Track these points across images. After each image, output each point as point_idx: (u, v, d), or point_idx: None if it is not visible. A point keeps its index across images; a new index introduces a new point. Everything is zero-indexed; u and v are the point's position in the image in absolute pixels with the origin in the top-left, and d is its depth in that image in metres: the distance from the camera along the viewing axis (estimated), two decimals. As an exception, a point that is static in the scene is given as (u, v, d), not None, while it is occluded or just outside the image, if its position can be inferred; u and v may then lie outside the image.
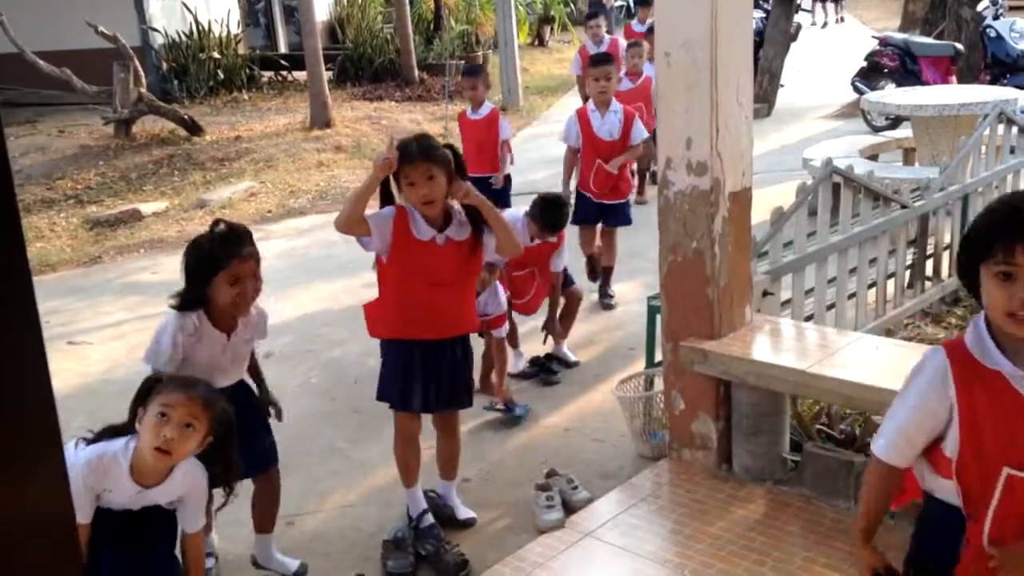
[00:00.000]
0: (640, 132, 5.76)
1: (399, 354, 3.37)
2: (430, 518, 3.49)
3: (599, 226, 5.89)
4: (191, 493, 2.72)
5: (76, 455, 2.60)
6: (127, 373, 5.26)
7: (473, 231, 3.35)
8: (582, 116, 5.81)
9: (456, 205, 3.35)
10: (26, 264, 0.79)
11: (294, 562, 3.34)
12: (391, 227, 3.27)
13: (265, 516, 3.33)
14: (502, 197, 6.21)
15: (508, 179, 6.48)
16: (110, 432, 2.70)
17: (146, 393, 2.68)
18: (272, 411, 3.36)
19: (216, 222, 3.07)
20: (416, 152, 3.21)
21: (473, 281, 3.49)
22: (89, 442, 2.68)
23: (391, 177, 3.31)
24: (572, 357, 4.98)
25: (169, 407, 2.57)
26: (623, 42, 8.89)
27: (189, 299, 3.00)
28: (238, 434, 2.82)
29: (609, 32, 13.62)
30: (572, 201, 5.47)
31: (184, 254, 3.05)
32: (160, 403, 2.59)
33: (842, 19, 19.78)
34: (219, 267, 2.94)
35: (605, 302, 5.77)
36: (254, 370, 3.35)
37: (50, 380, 0.79)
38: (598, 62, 5.87)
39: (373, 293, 3.48)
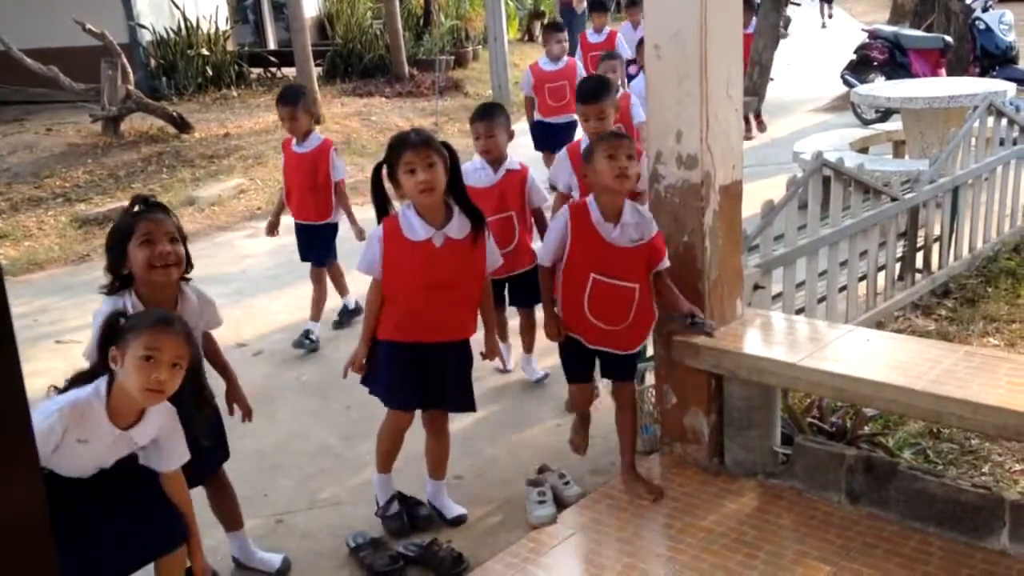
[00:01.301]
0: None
1: (396, 355, 3.32)
2: (396, 505, 3.52)
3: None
4: (165, 431, 2.72)
5: (48, 405, 2.59)
6: (116, 372, 5.24)
7: (473, 228, 3.29)
8: (576, 157, 4.23)
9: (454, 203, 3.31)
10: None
11: (277, 557, 3.32)
12: (380, 248, 3.26)
13: (231, 513, 3.29)
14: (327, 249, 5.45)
15: (335, 229, 5.52)
16: (81, 380, 2.67)
17: (112, 331, 2.63)
18: (234, 408, 3.26)
19: (132, 199, 3.08)
20: (416, 139, 3.21)
21: (477, 284, 3.38)
22: (61, 391, 2.66)
23: (387, 177, 3.29)
24: (539, 372, 4.65)
25: (155, 350, 2.54)
26: (580, 67, 7.83)
27: (113, 280, 2.95)
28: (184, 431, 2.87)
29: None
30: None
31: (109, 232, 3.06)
32: (145, 345, 2.54)
33: (831, 15, 19.72)
34: (128, 232, 2.89)
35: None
36: (220, 362, 3.25)
37: (22, 380, 0.77)
38: (591, 96, 4.21)
39: (366, 289, 3.45)
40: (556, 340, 3.52)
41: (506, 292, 4.50)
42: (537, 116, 7.69)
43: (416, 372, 3.33)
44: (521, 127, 10.36)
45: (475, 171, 4.32)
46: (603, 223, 3.34)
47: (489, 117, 4.39)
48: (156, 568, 2.79)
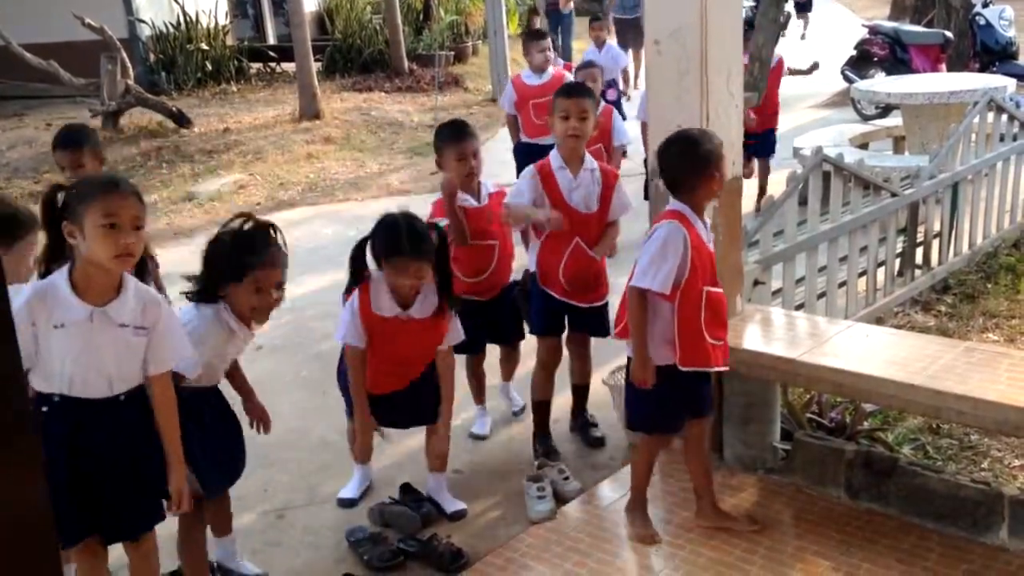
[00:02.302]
0: (623, 203, 3.84)
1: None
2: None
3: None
4: (161, 321, 2.56)
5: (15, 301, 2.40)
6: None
7: (438, 306, 3.35)
8: (545, 174, 3.75)
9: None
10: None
11: (257, 571, 3.28)
12: (359, 320, 3.33)
13: (223, 519, 3.25)
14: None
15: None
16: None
17: (59, 205, 2.50)
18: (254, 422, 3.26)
19: (244, 219, 2.97)
20: (408, 249, 3.20)
21: (432, 352, 3.46)
22: None
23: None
24: (519, 401, 4.36)
25: (114, 215, 2.41)
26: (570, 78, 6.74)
27: (208, 293, 2.94)
28: (212, 442, 2.94)
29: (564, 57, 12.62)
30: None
31: (209, 246, 2.97)
32: (102, 213, 2.40)
33: (804, 36, 18.16)
34: (241, 272, 2.88)
35: (590, 435, 4.05)
36: (240, 377, 3.25)
37: (22, 368, 0.77)
38: (572, 92, 3.80)
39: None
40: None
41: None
42: (522, 136, 6.62)
43: (384, 407, 3.46)
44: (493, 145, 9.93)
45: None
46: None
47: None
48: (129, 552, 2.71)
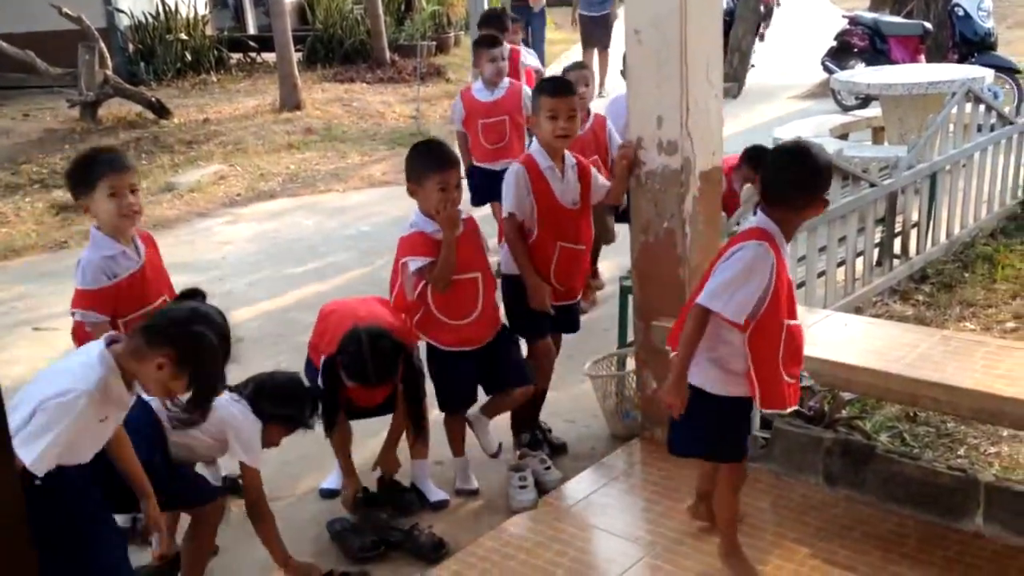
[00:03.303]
0: (600, 186, 3.78)
1: None
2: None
3: None
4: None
5: (59, 391, 2.38)
6: (95, 359, 5.21)
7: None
8: (535, 174, 3.62)
9: None
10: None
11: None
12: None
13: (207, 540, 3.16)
14: None
15: None
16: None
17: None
18: None
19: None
20: (374, 379, 3.27)
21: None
22: None
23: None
24: (494, 443, 3.79)
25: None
26: (528, 90, 5.68)
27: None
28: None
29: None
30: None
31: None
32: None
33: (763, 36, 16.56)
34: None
35: (553, 443, 3.93)
36: None
37: None
38: (559, 90, 3.66)
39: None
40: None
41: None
42: (474, 160, 5.86)
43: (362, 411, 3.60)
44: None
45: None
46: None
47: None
48: None
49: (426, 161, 3.42)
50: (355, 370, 3.25)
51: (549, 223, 3.62)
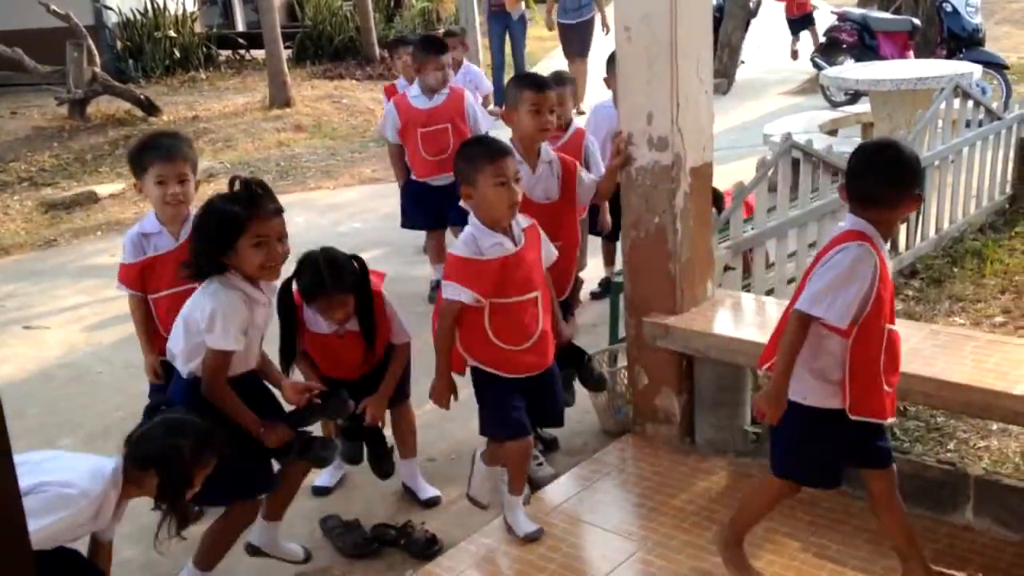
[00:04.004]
0: (587, 189, 3.68)
1: None
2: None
3: None
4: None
5: (54, 492, 2.46)
6: (84, 357, 5.20)
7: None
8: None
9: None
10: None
11: (299, 548, 3.31)
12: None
13: (279, 505, 3.22)
14: None
15: None
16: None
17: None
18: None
19: (233, 180, 2.89)
20: (331, 287, 3.15)
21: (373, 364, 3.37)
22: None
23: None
24: (484, 500, 3.44)
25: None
26: (472, 101, 5.36)
27: (208, 266, 2.83)
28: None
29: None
30: None
31: (198, 218, 2.89)
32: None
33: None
34: (240, 228, 2.76)
35: (545, 438, 3.91)
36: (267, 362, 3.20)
37: None
38: (542, 85, 3.61)
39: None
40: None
41: None
42: (411, 175, 5.38)
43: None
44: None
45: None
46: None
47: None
48: None
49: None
50: (311, 281, 3.15)
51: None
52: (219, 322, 2.75)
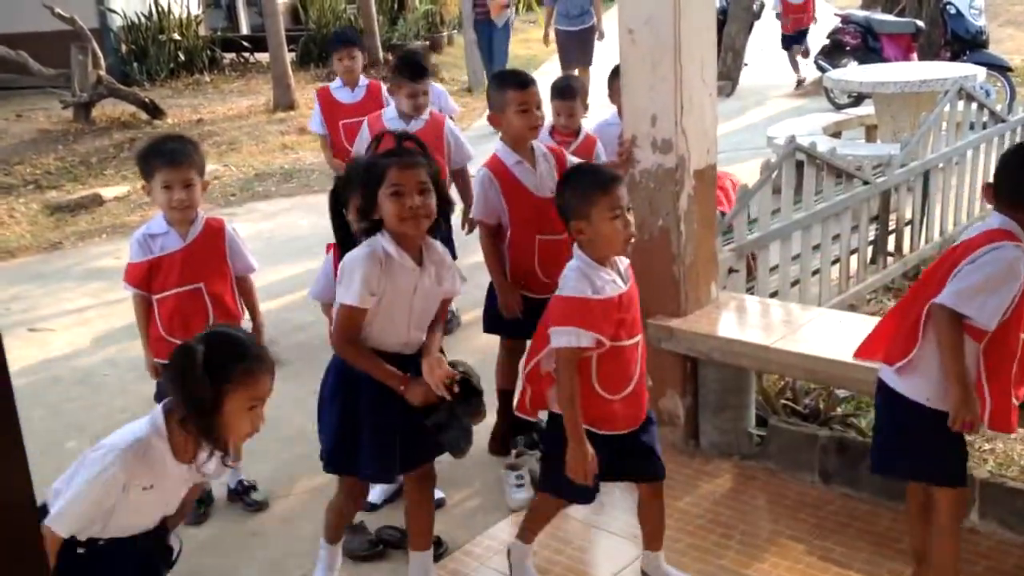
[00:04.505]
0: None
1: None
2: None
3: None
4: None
5: (95, 452, 2.26)
6: (90, 360, 5.21)
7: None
8: (503, 176, 3.58)
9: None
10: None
11: None
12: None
13: (422, 529, 3.03)
14: None
15: None
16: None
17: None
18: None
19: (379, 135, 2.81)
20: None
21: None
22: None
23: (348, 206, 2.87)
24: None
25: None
26: (451, 124, 4.99)
27: (365, 224, 2.65)
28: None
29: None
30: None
31: (348, 170, 2.81)
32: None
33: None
34: (379, 178, 2.62)
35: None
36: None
37: (5, 359, 0.78)
38: (527, 83, 3.60)
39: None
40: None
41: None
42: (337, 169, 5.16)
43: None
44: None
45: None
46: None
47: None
48: None
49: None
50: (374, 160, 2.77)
51: (525, 218, 3.53)
52: (345, 276, 2.65)
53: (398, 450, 2.78)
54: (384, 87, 5.41)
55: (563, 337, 2.61)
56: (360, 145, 4.85)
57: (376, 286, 2.63)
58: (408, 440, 2.78)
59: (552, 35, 10.51)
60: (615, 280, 2.68)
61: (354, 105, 5.29)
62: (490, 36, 10.70)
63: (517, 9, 19.84)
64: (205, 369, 2.17)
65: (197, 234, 3.38)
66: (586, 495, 2.78)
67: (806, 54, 11.91)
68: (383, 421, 2.74)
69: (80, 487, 2.19)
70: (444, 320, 2.98)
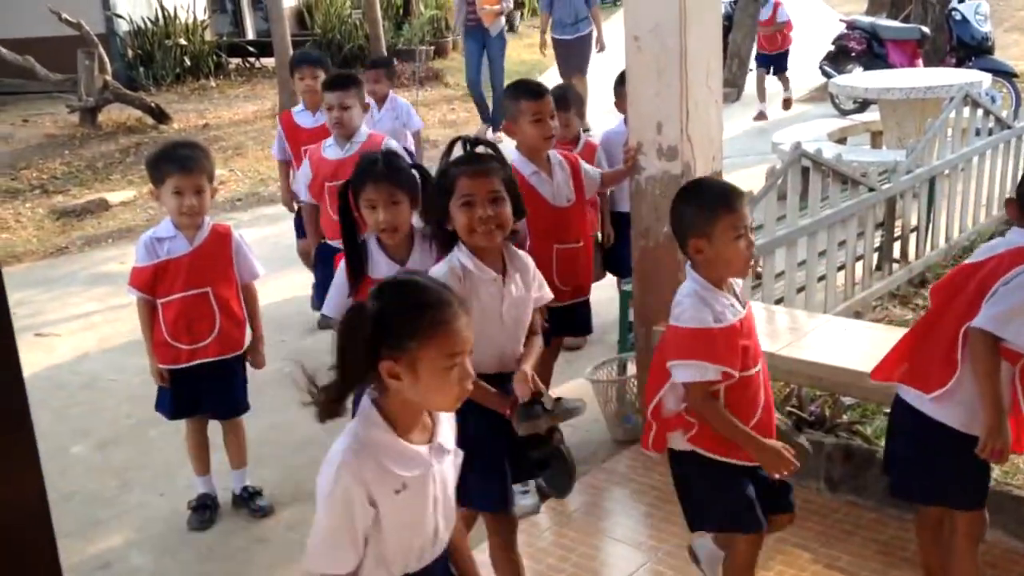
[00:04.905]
0: (593, 179, 3.81)
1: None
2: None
3: None
4: None
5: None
6: (96, 365, 5.22)
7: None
8: (520, 185, 3.13)
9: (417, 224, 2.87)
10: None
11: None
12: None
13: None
14: None
15: None
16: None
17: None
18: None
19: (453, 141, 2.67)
20: (382, 172, 2.84)
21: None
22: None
23: (352, 204, 2.86)
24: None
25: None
26: (392, 143, 4.51)
27: (440, 235, 2.56)
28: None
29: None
30: None
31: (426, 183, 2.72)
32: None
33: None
34: (449, 189, 2.53)
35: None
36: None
37: (19, 362, 0.80)
38: (539, 92, 3.66)
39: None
40: None
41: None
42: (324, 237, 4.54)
43: None
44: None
45: None
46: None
47: None
48: None
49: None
50: (362, 169, 2.87)
51: (543, 228, 3.51)
52: None
53: (508, 480, 2.61)
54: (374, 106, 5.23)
55: (687, 371, 2.42)
56: (300, 183, 4.59)
57: None
58: (513, 469, 2.61)
59: (549, 42, 10.23)
60: (734, 304, 2.48)
61: (315, 130, 4.91)
62: (483, 44, 10.03)
63: (521, 14, 19.90)
64: (376, 329, 1.78)
65: (204, 239, 3.41)
66: (753, 521, 2.51)
67: (785, 83, 10.92)
68: (491, 449, 2.52)
69: (318, 517, 1.83)
70: (543, 331, 2.74)
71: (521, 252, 2.71)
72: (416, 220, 2.86)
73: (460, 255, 2.55)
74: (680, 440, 2.54)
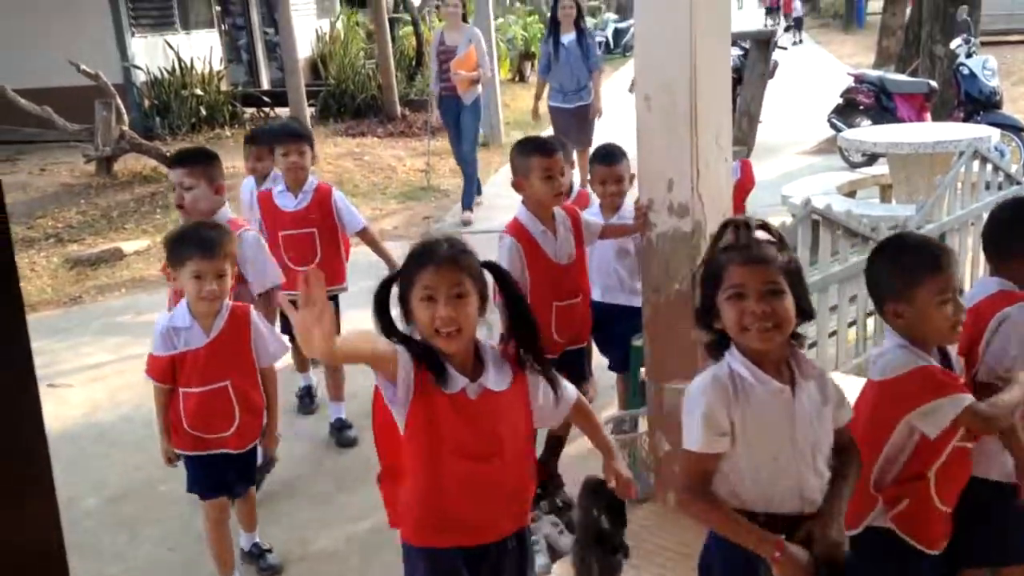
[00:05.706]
0: (593, 231, 3.83)
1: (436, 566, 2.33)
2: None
3: None
4: None
5: None
6: (108, 416, 5.23)
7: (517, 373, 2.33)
8: (527, 243, 3.59)
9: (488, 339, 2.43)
10: (20, 301, 0.83)
11: None
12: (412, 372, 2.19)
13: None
14: None
15: None
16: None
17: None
18: None
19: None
20: (444, 256, 2.22)
21: (530, 446, 2.49)
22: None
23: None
24: None
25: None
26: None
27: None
28: None
29: None
30: None
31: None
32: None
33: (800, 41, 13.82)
34: (717, 282, 2.21)
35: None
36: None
37: (40, 408, 0.83)
38: (551, 150, 3.63)
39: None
40: None
41: None
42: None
43: None
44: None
45: None
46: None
47: None
48: None
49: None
50: (421, 252, 2.26)
51: (544, 285, 3.58)
52: (684, 413, 2.27)
53: None
54: (334, 191, 4.72)
55: (941, 414, 2.20)
56: (245, 210, 4.83)
57: (726, 422, 2.10)
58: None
59: (544, 110, 9.43)
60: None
61: (296, 213, 4.52)
62: (457, 114, 9.07)
63: (532, 66, 20.13)
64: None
65: (222, 326, 3.24)
66: None
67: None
68: None
69: None
70: (855, 472, 2.24)
71: (811, 359, 2.27)
72: (482, 333, 2.34)
73: (732, 360, 2.14)
74: (882, 517, 2.30)
